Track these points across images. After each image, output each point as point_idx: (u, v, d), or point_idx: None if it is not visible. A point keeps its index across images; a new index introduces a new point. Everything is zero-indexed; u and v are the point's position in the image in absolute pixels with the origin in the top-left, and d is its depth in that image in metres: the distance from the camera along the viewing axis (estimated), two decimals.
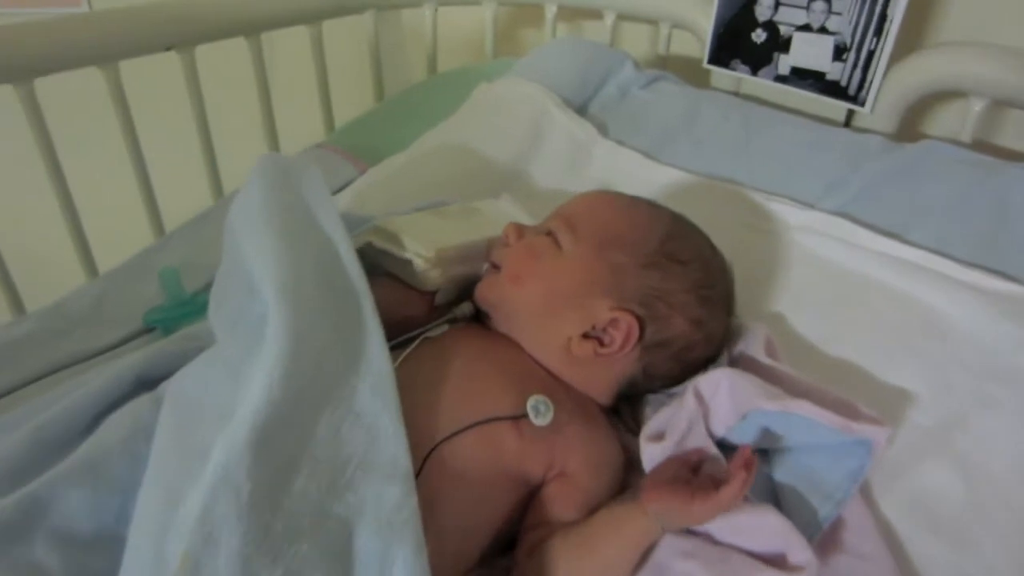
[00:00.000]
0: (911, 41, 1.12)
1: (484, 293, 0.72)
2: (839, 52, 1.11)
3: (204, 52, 1.21)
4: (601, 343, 0.67)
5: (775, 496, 0.66)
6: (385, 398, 0.56)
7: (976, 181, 0.94)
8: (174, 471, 0.54)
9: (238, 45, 1.27)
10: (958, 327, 0.79)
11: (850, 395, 0.65)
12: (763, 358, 0.70)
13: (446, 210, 0.85)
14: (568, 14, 1.54)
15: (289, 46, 1.41)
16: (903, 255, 0.87)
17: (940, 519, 0.65)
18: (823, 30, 1.12)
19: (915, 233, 0.90)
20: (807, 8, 1.12)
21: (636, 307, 0.67)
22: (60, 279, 1.10)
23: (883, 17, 1.05)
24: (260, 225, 0.65)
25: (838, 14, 1.10)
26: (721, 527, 0.59)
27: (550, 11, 1.45)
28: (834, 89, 1.14)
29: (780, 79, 1.19)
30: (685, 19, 1.32)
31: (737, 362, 0.72)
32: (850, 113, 1.18)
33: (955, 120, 1.11)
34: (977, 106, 1.06)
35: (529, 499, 0.64)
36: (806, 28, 1.14)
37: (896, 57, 1.08)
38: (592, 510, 0.63)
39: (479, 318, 0.74)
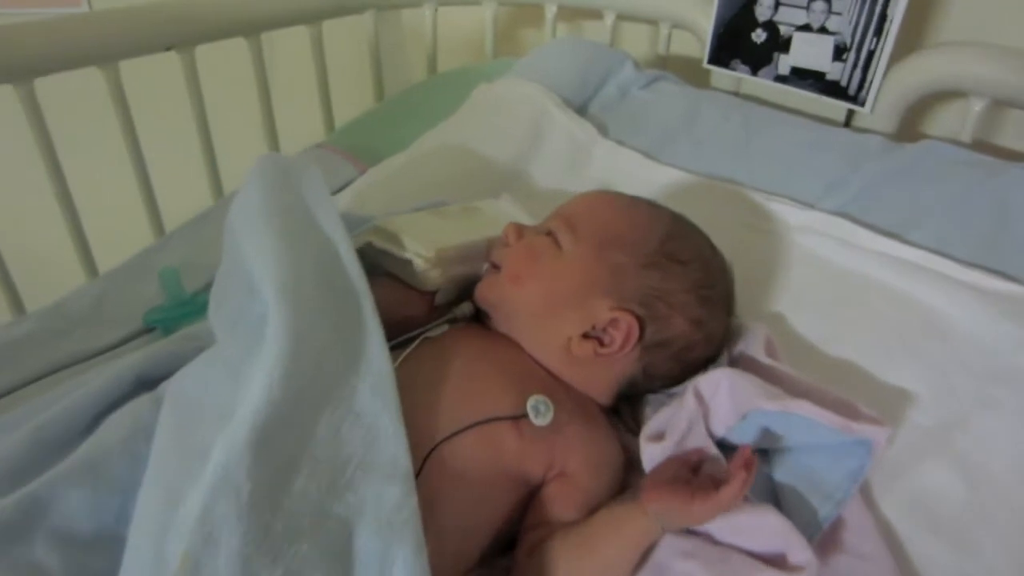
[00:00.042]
0: (911, 41, 1.12)
1: (484, 293, 0.72)
2: (839, 52, 1.11)
3: (204, 52, 1.21)
4: (601, 343, 0.67)
5: (775, 496, 0.66)
6: (385, 398, 0.56)
7: (976, 181, 0.94)
8: (174, 471, 0.54)
9: (238, 45, 1.27)
10: (958, 327, 0.79)
11: (850, 395, 0.65)
12: (763, 358, 0.70)
13: (446, 210, 0.85)
14: (568, 14, 1.53)
15: (289, 46, 1.41)
16: (903, 255, 0.87)
17: (940, 519, 0.65)
18: (823, 30, 1.12)
19: (915, 233, 0.90)
20: (807, 8, 1.12)
21: (636, 307, 0.67)
22: (60, 279, 1.10)
23: (883, 17, 1.05)
24: (260, 225, 0.65)
25: (838, 14, 1.10)
26: (721, 527, 0.59)
27: (550, 11, 1.45)
28: (834, 89, 1.14)
29: (780, 79, 1.19)
30: (685, 19, 1.32)
31: (737, 362, 0.72)
32: (850, 113, 1.18)
33: (955, 120, 1.10)
34: (977, 106, 1.05)
35: (529, 499, 0.64)
36: (806, 28, 1.14)
37: (896, 57, 1.08)
38: (592, 510, 0.63)
39: (479, 318, 0.74)
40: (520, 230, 0.72)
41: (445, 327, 0.71)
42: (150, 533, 0.51)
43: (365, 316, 0.61)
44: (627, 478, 0.68)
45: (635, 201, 0.74)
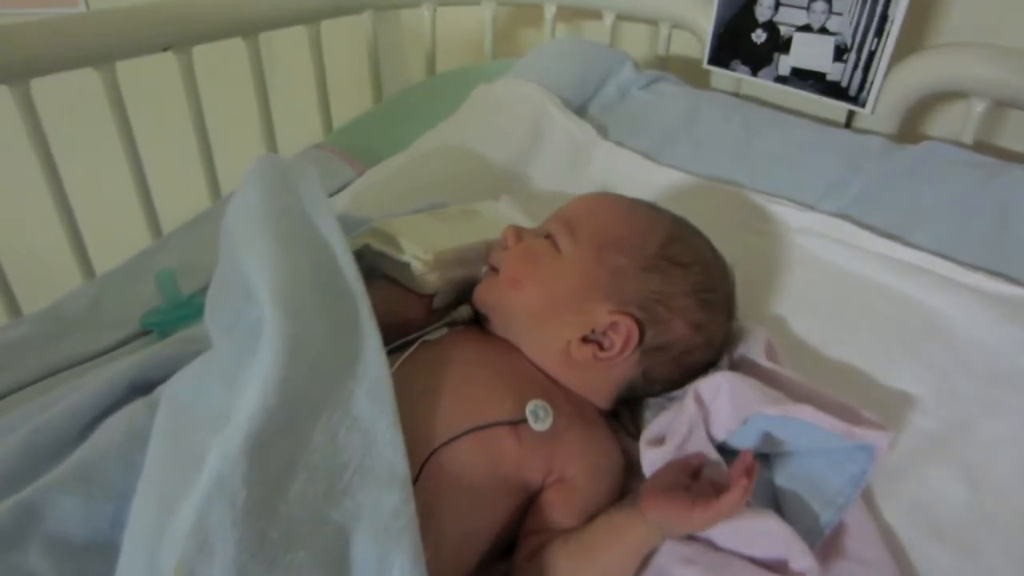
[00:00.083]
0: (912, 42, 1.12)
1: (482, 296, 0.71)
2: (840, 53, 1.11)
3: (201, 52, 1.21)
4: (600, 347, 0.66)
5: (776, 501, 0.66)
6: (382, 403, 0.56)
7: (978, 183, 0.94)
8: (168, 478, 0.53)
9: (236, 46, 1.26)
10: (959, 330, 0.79)
11: (851, 398, 0.65)
12: (764, 361, 0.70)
13: (444, 212, 0.85)
14: (567, 14, 1.53)
15: (287, 47, 1.40)
16: (904, 257, 0.87)
17: (943, 524, 0.65)
18: (823, 31, 1.11)
19: (917, 235, 0.90)
20: (807, 8, 1.12)
21: (636, 311, 0.66)
22: (57, 281, 1.09)
23: (884, 17, 1.05)
24: (256, 228, 0.64)
25: (839, 14, 1.09)
26: (722, 533, 0.59)
27: (549, 11, 1.44)
28: (835, 90, 1.14)
29: (780, 80, 1.19)
30: (685, 19, 1.31)
31: (738, 365, 0.72)
32: (851, 114, 1.17)
33: (956, 121, 1.10)
34: (978, 107, 1.05)
35: (528, 504, 0.63)
36: (806, 28, 1.13)
37: (897, 58, 1.07)
38: (592, 516, 0.62)
39: (478, 321, 0.73)
40: (519, 233, 0.71)
41: (443, 330, 0.70)
42: (144, 541, 0.51)
43: (362, 319, 0.60)
44: (627, 483, 0.67)
45: (635, 204, 0.74)
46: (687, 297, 0.68)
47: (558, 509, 0.62)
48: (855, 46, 1.09)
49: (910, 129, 1.17)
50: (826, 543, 0.61)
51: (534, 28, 1.57)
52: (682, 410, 0.65)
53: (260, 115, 1.36)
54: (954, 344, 0.78)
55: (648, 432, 0.66)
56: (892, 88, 1.09)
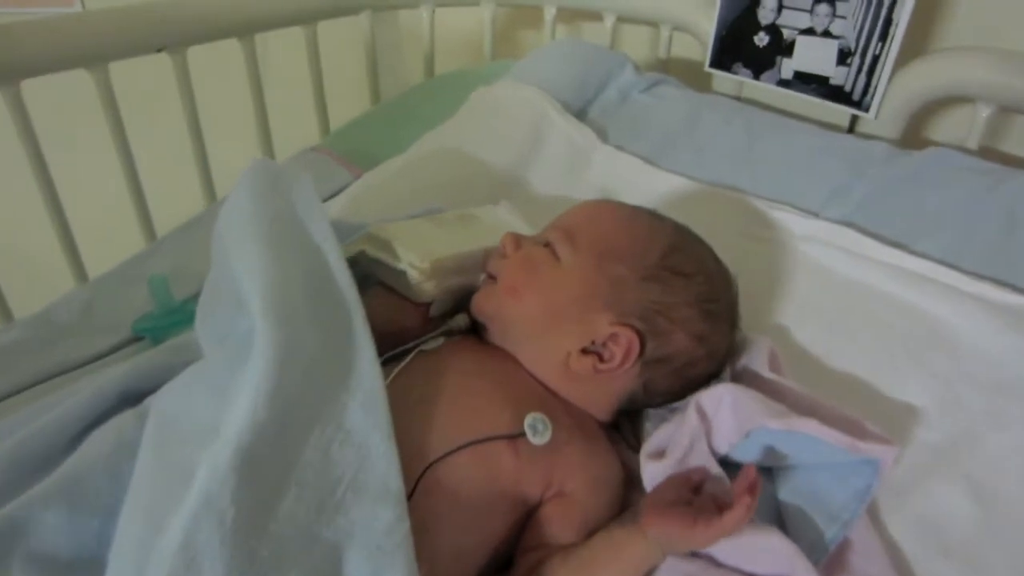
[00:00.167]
0: (916, 46, 1.11)
1: (480, 305, 0.70)
2: (843, 56, 1.10)
3: (196, 53, 1.19)
4: (600, 358, 0.65)
5: (779, 515, 0.65)
6: (376, 416, 0.54)
7: (984, 189, 0.93)
8: (156, 493, 0.52)
9: (231, 47, 1.25)
10: (964, 339, 0.78)
11: (855, 410, 0.64)
12: (767, 373, 0.69)
13: (442, 217, 0.83)
14: (567, 15, 1.52)
15: (283, 48, 1.39)
16: (909, 266, 0.86)
17: (949, 540, 0.64)
18: (827, 34, 1.10)
19: (922, 243, 0.89)
20: (811, 12, 1.11)
21: (636, 322, 0.65)
22: (49, 285, 1.08)
23: (888, 21, 1.04)
24: (248, 234, 0.63)
25: (842, 18, 1.08)
26: (724, 549, 0.58)
27: (549, 13, 1.43)
28: (838, 94, 1.13)
29: (783, 83, 1.18)
30: (686, 21, 1.30)
31: (740, 377, 0.71)
32: (854, 119, 1.16)
33: (961, 127, 1.09)
34: (984, 112, 1.04)
35: (526, 519, 0.62)
36: (809, 32, 1.12)
37: (901, 62, 1.06)
38: (592, 530, 0.61)
39: (476, 330, 0.72)
40: (518, 241, 0.70)
41: (440, 340, 0.69)
42: (131, 558, 0.49)
43: (356, 329, 0.59)
44: (627, 496, 0.66)
45: (636, 211, 0.72)
46: (689, 308, 0.66)
47: (557, 524, 0.61)
48: (859, 50, 1.08)
49: (914, 134, 1.16)
50: (831, 560, 0.60)
51: (534, 29, 1.56)
52: (684, 423, 0.64)
53: (256, 117, 1.35)
54: (959, 353, 0.77)
55: (649, 445, 0.65)
56: (896, 93, 1.08)
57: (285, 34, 1.32)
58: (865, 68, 1.08)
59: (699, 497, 0.59)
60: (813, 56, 1.13)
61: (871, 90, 1.09)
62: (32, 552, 0.53)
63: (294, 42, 1.36)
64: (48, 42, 1.03)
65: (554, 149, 1.11)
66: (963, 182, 0.95)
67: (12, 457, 0.60)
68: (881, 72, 1.07)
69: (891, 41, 1.04)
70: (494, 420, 0.61)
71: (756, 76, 1.21)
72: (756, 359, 0.70)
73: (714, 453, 0.64)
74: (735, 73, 1.23)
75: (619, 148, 1.11)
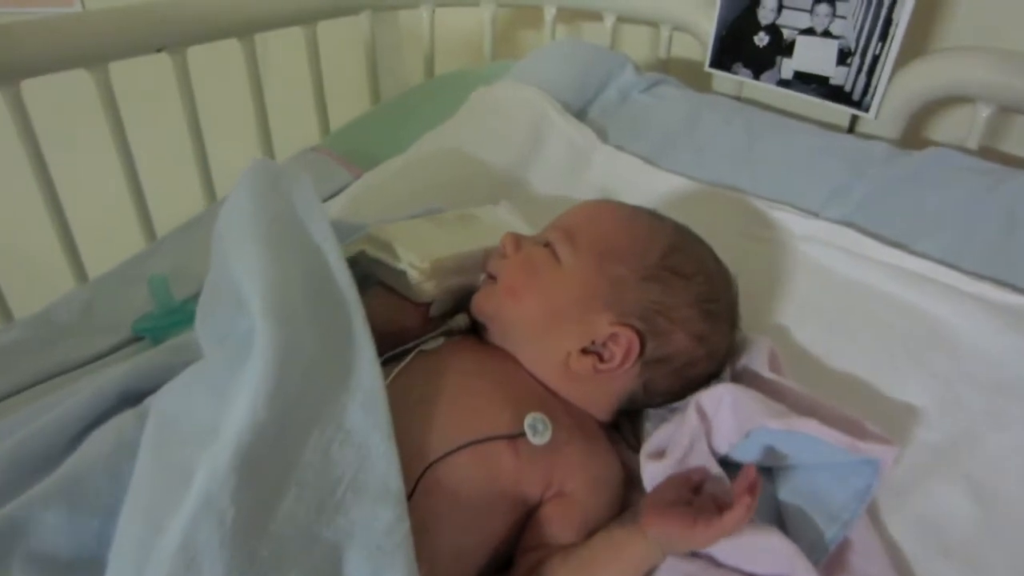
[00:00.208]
0: (917, 45, 1.11)
1: (480, 305, 0.70)
2: (843, 56, 1.10)
3: (196, 53, 1.19)
4: (601, 359, 0.65)
5: (779, 515, 0.65)
6: (376, 416, 0.54)
7: (984, 189, 0.93)
8: (156, 494, 0.52)
9: (231, 47, 1.25)
10: (964, 339, 0.78)
11: (855, 410, 0.64)
12: (767, 373, 0.69)
13: (442, 217, 0.83)
14: (567, 16, 1.52)
15: (283, 48, 1.39)
16: (909, 266, 0.86)
17: (949, 540, 0.63)
18: (827, 34, 1.10)
19: (922, 243, 0.89)
20: (811, 12, 1.11)
21: (636, 322, 0.65)
22: (49, 284, 1.08)
23: (888, 21, 1.03)
24: (248, 234, 0.63)
25: (842, 18, 1.08)
26: (724, 549, 0.58)
27: (549, 13, 1.43)
28: (838, 94, 1.12)
29: (783, 83, 1.18)
30: (686, 21, 1.30)
31: (740, 377, 0.71)
32: (854, 119, 1.16)
33: (961, 127, 1.09)
34: (984, 112, 1.04)
35: (526, 519, 0.62)
36: (810, 32, 1.12)
37: (901, 62, 1.06)
38: (591, 530, 0.61)
39: (476, 330, 0.72)
40: (518, 241, 0.70)
41: (440, 340, 0.69)
42: (130, 558, 0.49)
43: (356, 329, 0.59)
44: (627, 495, 0.66)
45: (636, 212, 0.72)
46: (689, 308, 0.66)
47: (557, 524, 0.61)
48: (859, 50, 1.08)
49: (914, 134, 1.16)
50: (831, 560, 0.60)
51: (534, 30, 1.56)
52: (684, 423, 0.64)
53: (256, 117, 1.34)
54: (959, 353, 0.77)
55: (649, 445, 0.65)
56: (896, 93, 1.08)
57: (285, 34, 1.32)
58: (865, 68, 1.08)
59: (699, 497, 0.59)
60: (813, 56, 1.13)
61: (871, 90, 1.09)
62: (32, 552, 0.53)
63: (294, 42, 1.36)
64: (48, 42, 1.03)
65: (554, 149, 1.11)
66: (963, 182, 0.95)
67: (12, 457, 0.60)
68: (881, 72, 1.07)
69: (891, 41, 1.04)
70: (494, 420, 0.61)
71: (756, 76, 1.21)
72: (756, 359, 0.70)
73: (714, 453, 0.64)
74: (735, 73, 1.23)
75: (619, 148, 1.11)
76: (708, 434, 0.64)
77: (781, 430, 0.61)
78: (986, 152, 1.07)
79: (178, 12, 1.16)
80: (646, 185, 1.02)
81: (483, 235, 0.77)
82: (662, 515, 0.57)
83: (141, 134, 1.19)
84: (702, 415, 0.64)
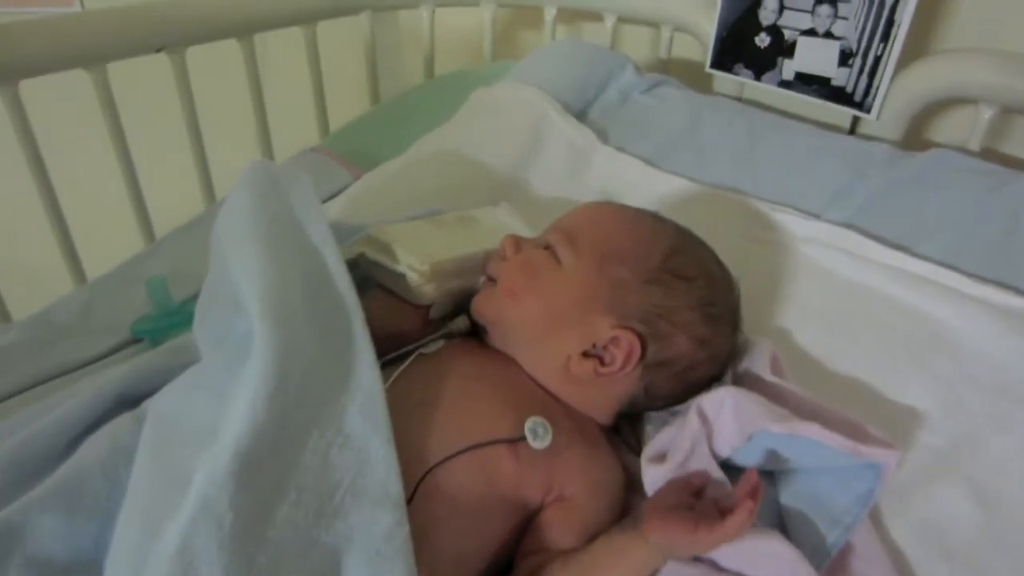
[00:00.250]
0: (918, 46, 1.10)
1: (480, 308, 0.70)
2: (845, 57, 1.09)
3: (195, 54, 1.19)
4: (601, 362, 0.65)
5: (781, 519, 0.64)
6: (375, 420, 0.54)
7: (986, 191, 0.93)
8: (153, 498, 0.51)
9: (230, 47, 1.24)
10: (967, 342, 0.78)
11: (857, 412, 0.63)
12: (769, 376, 0.68)
13: (442, 219, 0.83)
14: (568, 16, 1.52)
15: (283, 48, 1.38)
16: (911, 268, 0.85)
17: (952, 544, 0.63)
18: (829, 35, 1.10)
19: (924, 245, 0.88)
20: (812, 12, 1.10)
21: (638, 325, 0.65)
22: (47, 286, 1.07)
23: (890, 22, 1.03)
24: (246, 237, 0.62)
25: (844, 19, 1.08)
26: (726, 553, 0.57)
27: (549, 13, 1.43)
28: (839, 95, 1.12)
29: (784, 84, 1.18)
30: (687, 22, 1.30)
31: (742, 380, 0.70)
32: (855, 120, 1.16)
33: (963, 128, 1.09)
34: (986, 114, 1.04)
35: (526, 524, 0.62)
36: (811, 33, 1.12)
37: (903, 63, 1.06)
38: (592, 535, 0.60)
39: (476, 333, 0.72)
40: (518, 243, 0.70)
41: (440, 343, 0.68)
42: (128, 562, 0.49)
43: (355, 331, 0.59)
44: (628, 499, 0.66)
45: (638, 214, 0.72)
46: (691, 311, 0.66)
47: (557, 528, 0.61)
48: (860, 51, 1.07)
49: (916, 136, 1.15)
50: (833, 564, 0.60)
51: (534, 30, 1.55)
52: (685, 426, 0.63)
53: (255, 118, 1.34)
54: (961, 356, 0.77)
55: (650, 448, 0.65)
56: (898, 94, 1.08)
57: (285, 34, 1.32)
58: (867, 69, 1.08)
59: (700, 501, 0.59)
60: (814, 57, 1.12)
61: (873, 91, 1.08)
62: (29, 556, 0.53)
63: (294, 42, 1.36)
64: (47, 42, 1.03)
65: (554, 150, 1.11)
66: (965, 184, 0.95)
67: (11, 459, 0.59)
68: (883, 73, 1.06)
69: (893, 42, 1.04)
70: (494, 424, 0.61)
71: (757, 77, 1.20)
72: (758, 362, 0.70)
73: (715, 456, 0.63)
74: (736, 74, 1.23)
75: (620, 149, 1.11)
76: (709, 437, 0.63)
77: (783, 434, 0.60)
78: (988, 154, 1.06)
79: (177, 12, 1.15)
80: (647, 186, 1.02)
81: (483, 237, 0.77)
82: (663, 520, 0.56)
83: (140, 135, 1.18)
84: (703, 418, 0.63)
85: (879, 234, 0.90)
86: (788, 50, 1.15)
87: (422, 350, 0.67)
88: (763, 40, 1.17)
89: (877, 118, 1.10)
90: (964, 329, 0.79)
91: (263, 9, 1.27)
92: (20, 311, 1.00)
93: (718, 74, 1.26)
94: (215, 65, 1.24)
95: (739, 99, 1.27)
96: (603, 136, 1.14)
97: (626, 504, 0.65)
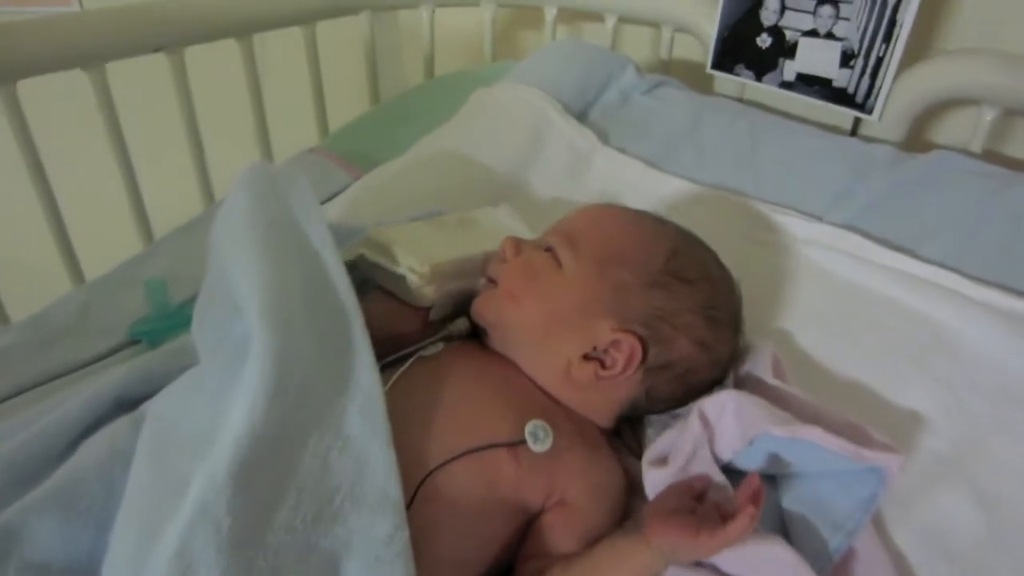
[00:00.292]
0: (921, 48, 1.10)
1: (481, 310, 0.69)
2: (846, 58, 1.09)
3: (194, 54, 1.18)
4: (602, 365, 0.64)
5: (783, 524, 0.64)
6: (374, 423, 0.54)
7: (988, 193, 0.92)
8: (151, 502, 0.51)
9: (229, 47, 1.24)
10: (968, 344, 0.78)
11: (860, 416, 0.63)
12: (771, 379, 0.68)
13: (442, 220, 0.83)
14: (568, 16, 1.52)
15: (282, 48, 1.38)
16: (914, 271, 0.85)
17: (955, 549, 0.63)
18: (830, 36, 1.09)
19: (926, 247, 0.88)
20: (814, 13, 1.10)
21: (639, 328, 0.64)
22: (45, 286, 1.07)
23: (892, 23, 1.03)
24: (244, 239, 0.62)
25: (846, 19, 1.07)
26: (727, 558, 0.57)
27: (550, 13, 1.43)
28: (841, 96, 1.12)
29: (785, 85, 1.17)
30: (688, 23, 1.29)
31: (744, 383, 0.70)
32: (857, 121, 1.16)
33: (965, 130, 1.08)
34: (988, 115, 1.03)
35: (527, 528, 0.61)
36: (812, 34, 1.11)
37: (905, 64, 1.05)
38: (593, 539, 0.60)
39: (476, 335, 0.71)
40: (518, 245, 0.69)
41: (440, 345, 0.68)
42: (125, 567, 0.49)
43: (354, 334, 0.59)
44: (629, 503, 0.66)
45: (639, 216, 0.71)
46: (692, 314, 0.65)
47: (558, 532, 0.60)
48: (862, 52, 1.07)
49: (918, 137, 1.15)
50: (835, 569, 0.59)
51: (534, 30, 1.55)
52: (686, 429, 0.63)
53: (254, 118, 1.33)
54: (963, 359, 0.77)
55: (651, 452, 0.64)
56: (900, 95, 1.07)
57: (284, 34, 1.31)
58: (868, 70, 1.07)
59: (702, 505, 0.58)
60: (816, 58, 1.12)
61: (874, 92, 1.08)
62: (26, 559, 0.52)
63: (293, 43, 1.35)
64: (45, 42, 1.02)
65: (555, 151, 1.10)
66: (967, 185, 0.94)
67: (9, 462, 0.59)
68: (884, 74, 1.06)
69: (895, 43, 1.03)
70: (494, 427, 0.60)
71: (758, 78, 1.20)
72: (760, 365, 0.70)
73: (717, 460, 0.63)
74: (737, 75, 1.22)
75: (620, 150, 1.10)
76: (711, 441, 0.63)
77: (785, 437, 0.60)
78: (990, 155, 1.06)
79: (176, 12, 1.15)
80: (647, 188, 1.01)
81: (483, 239, 0.76)
82: (665, 524, 0.56)
83: (138, 135, 1.18)
84: (705, 422, 0.63)
85: (881, 236, 0.90)
86: (789, 51, 1.15)
87: (422, 352, 0.66)
88: (764, 41, 1.17)
89: (879, 119, 1.10)
90: (966, 331, 0.78)
91: (262, 9, 1.26)
92: (18, 312, 0.99)
93: (719, 75, 1.25)
94: (214, 65, 1.24)
95: (740, 100, 1.26)
96: (604, 137, 1.13)
97: (627, 508, 0.65)
